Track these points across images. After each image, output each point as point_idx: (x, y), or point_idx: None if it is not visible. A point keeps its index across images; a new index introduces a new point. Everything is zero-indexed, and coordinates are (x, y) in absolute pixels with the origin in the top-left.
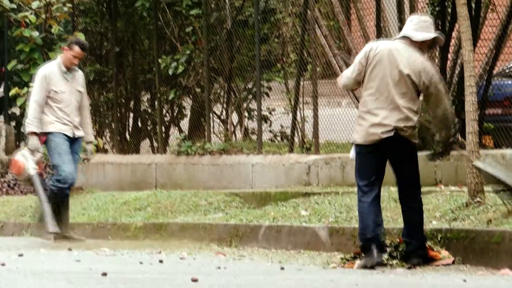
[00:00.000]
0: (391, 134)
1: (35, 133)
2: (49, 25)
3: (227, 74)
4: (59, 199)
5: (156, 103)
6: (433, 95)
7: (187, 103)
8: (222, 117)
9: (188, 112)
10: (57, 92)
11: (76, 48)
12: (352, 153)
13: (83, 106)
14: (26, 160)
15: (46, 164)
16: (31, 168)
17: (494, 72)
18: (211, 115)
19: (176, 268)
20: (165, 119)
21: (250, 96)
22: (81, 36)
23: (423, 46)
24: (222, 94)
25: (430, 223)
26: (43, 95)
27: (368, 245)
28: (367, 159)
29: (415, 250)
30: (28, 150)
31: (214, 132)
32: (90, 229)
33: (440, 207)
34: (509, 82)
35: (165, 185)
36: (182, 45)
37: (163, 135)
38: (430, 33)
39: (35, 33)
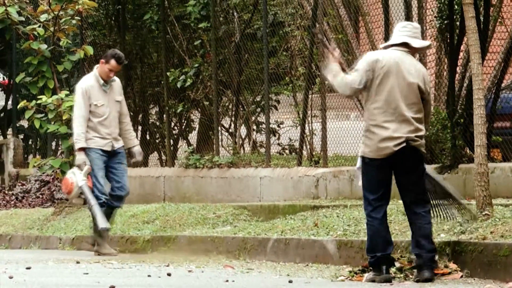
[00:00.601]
0: (404, 145)
1: (82, 149)
2: (57, 38)
3: (235, 87)
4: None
5: (164, 116)
6: (428, 102)
7: (196, 116)
8: (230, 130)
9: (196, 125)
10: (97, 105)
11: (112, 62)
12: (358, 165)
13: (122, 114)
14: (75, 175)
15: None
16: (80, 180)
17: (503, 85)
18: (219, 128)
19: (184, 281)
20: (174, 132)
21: (259, 109)
22: (89, 49)
23: (415, 53)
24: (230, 107)
25: (439, 236)
26: (87, 109)
27: (377, 263)
28: (378, 172)
29: (426, 262)
30: (76, 167)
31: (222, 145)
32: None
33: (449, 220)
34: None
35: (173, 198)
36: (191, 58)
37: (172, 148)
38: (425, 41)
39: (44, 46)
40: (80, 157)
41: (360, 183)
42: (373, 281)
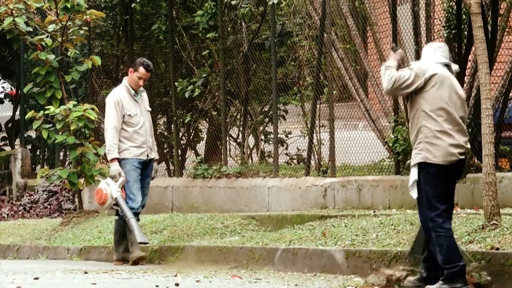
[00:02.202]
0: (464, 156)
1: (116, 159)
2: (65, 48)
3: (243, 97)
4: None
5: (172, 126)
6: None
7: (204, 126)
8: (238, 140)
9: (204, 135)
10: (131, 115)
11: (141, 69)
12: (414, 176)
13: (150, 125)
14: (109, 186)
15: None
16: (115, 191)
17: (511, 94)
18: (227, 138)
19: None
20: (182, 142)
21: (267, 119)
22: (97, 60)
23: None
24: (238, 117)
25: None
26: (119, 120)
27: (460, 273)
28: (445, 181)
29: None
30: (109, 178)
31: (230, 155)
32: (106, 252)
33: (457, 229)
34: None
35: (181, 208)
36: (199, 68)
37: (180, 158)
38: (456, 66)
39: (51, 56)
40: (114, 168)
41: (415, 195)
42: None
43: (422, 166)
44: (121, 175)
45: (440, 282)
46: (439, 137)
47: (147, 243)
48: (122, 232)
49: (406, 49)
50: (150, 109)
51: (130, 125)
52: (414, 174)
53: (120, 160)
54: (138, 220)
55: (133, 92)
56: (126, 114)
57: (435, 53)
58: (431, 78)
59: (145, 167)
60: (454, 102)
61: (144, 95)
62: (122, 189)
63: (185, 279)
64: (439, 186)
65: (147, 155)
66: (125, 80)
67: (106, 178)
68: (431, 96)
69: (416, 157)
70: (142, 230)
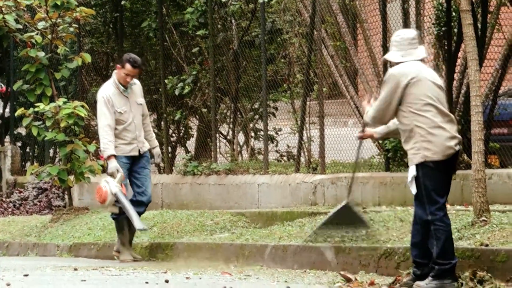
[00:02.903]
0: (460, 146)
1: (113, 156)
2: (55, 46)
3: (233, 94)
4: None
5: (162, 123)
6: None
7: (194, 123)
8: (228, 137)
9: (194, 132)
10: (120, 113)
11: (128, 66)
12: (413, 172)
13: (143, 115)
14: (108, 183)
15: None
16: (114, 187)
17: (500, 91)
18: (217, 135)
19: None
20: (172, 139)
21: (257, 116)
22: (87, 57)
23: None
24: (228, 114)
25: None
26: (112, 117)
27: (453, 270)
28: (442, 175)
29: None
30: (108, 175)
31: (220, 152)
32: (96, 249)
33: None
34: None
35: (171, 205)
36: (189, 66)
37: (169, 155)
38: (426, 53)
39: (41, 54)
40: (112, 165)
41: (414, 190)
42: None
43: (421, 164)
44: (119, 171)
45: (430, 278)
46: (434, 133)
47: (146, 229)
48: (121, 228)
49: None
50: (142, 101)
51: (119, 123)
52: (413, 170)
53: (116, 156)
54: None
55: (122, 88)
56: (117, 112)
57: (411, 47)
58: (410, 80)
59: (138, 160)
60: (437, 95)
61: (136, 87)
62: (122, 185)
63: (175, 275)
64: (438, 180)
65: (139, 150)
66: (114, 75)
67: (105, 176)
68: (414, 96)
69: (414, 158)
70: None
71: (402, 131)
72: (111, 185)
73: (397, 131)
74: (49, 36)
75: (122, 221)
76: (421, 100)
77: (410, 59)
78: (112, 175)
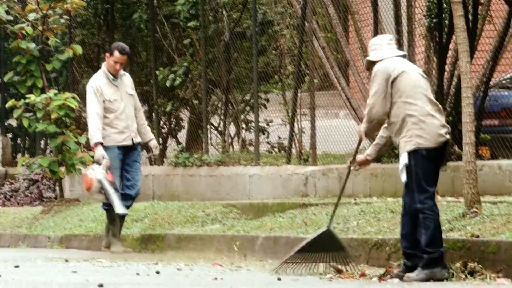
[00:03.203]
0: (449, 136)
1: (99, 143)
2: (46, 37)
3: (224, 86)
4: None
5: (153, 115)
6: None
7: (185, 115)
8: (219, 129)
9: (185, 124)
10: (110, 101)
11: (116, 53)
12: (404, 160)
13: (136, 108)
14: (94, 170)
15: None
16: (99, 173)
17: (491, 83)
18: (208, 126)
19: (173, 279)
20: (163, 130)
21: (248, 108)
22: (77, 48)
23: None
24: (219, 105)
25: None
26: (101, 106)
27: (441, 258)
28: (434, 164)
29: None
30: (94, 163)
31: (211, 144)
32: (87, 240)
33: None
34: (506, 93)
35: (162, 197)
36: (180, 57)
37: (161, 146)
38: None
39: (32, 45)
40: (98, 152)
41: (404, 178)
42: (430, 278)
43: (413, 151)
44: (104, 158)
45: (419, 268)
46: (425, 121)
47: (126, 213)
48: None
49: None
50: (133, 92)
51: (110, 111)
52: (404, 158)
53: (103, 145)
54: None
55: (111, 77)
56: (106, 100)
57: (390, 46)
58: (399, 73)
59: (130, 152)
60: (425, 85)
61: (126, 78)
62: (108, 172)
63: (166, 267)
64: (429, 169)
65: (132, 140)
66: (103, 65)
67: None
68: (404, 85)
69: (406, 145)
70: (122, 203)
71: (393, 124)
72: (96, 171)
73: (387, 142)
74: (40, 28)
75: (113, 211)
76: (412, 89)
77: (393, 55)
78: (98, 162)
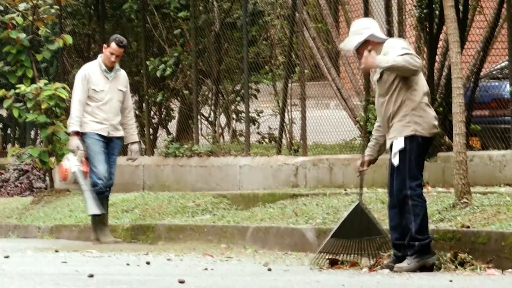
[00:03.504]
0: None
1: (76, 133)
2: (36, 27)
3: (215, 76)
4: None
5: (144, 105)
6: None
7: (175, 105)
8: (210, 119)
9: (176, 114)
10: (96, 91)
11: (113, 45)
12: (400, 145)
13: (126, 107)
14: (69, 161)
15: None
16: (73, 166)
17: (482, 74)
18: (199, 117)
19: (163, 270)
20: (153, 121)
21: (238, 98)
22: (68, 38)
23: None
24: (210, 96)
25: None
26: (85, 94)
27: (429, 246)
28: (424, 153)
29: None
30: (70, 152)
31: (202, 134)
32: (77, 231)
33: (427, 208)
34: (496, 84)
35: (152, 187)
36: (170, 48)
37: (151, 137)
38: None
39: (22, 35)
40: (73, 142)
41: (397, 162)
42: (423, 266)
43: (411, 137)
44: (79, 149)
45: (410, 257)
46: (424, 109)
47: (98, 214)
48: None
49: None
50: (125, 90)
51: (93, 100)
52: (400, 143)
53: (81, 134)
54: (107, 198)
55: (104, 68)
56: (91, 88)
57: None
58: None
59: (110, 144)
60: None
61: (121, 74)
62: (83, 163)
63: (156, 257)
64: (422, 157)
65: (108, 132)
66: (100, 56)
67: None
68: None
69: (404, 130)
70: (98, 202)
71: (391, 107)
72: (71, 163)
73: (384, 141)
74: (30, 18)
75: (102, 200)
76: (418, 76)
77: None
78: (73, 152)
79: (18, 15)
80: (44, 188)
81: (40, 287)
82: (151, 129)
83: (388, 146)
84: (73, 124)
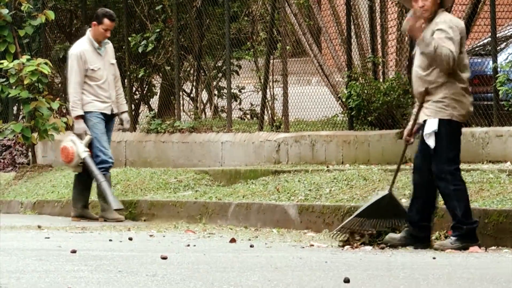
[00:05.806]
0: None
1: (81, 116)
2: (18, 3)
3: (197, 52)
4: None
5: (125, 81)
6: None
7: (157, 81)
8: (192, 95)
9: (158, 90)
10: (94, 70)
11: (106, 21)
12: (434, 127)
13: (116, 77)
14: (75, 145)
15: None
16: (82, 152)
17: None
18: (180, 93)
19: (145, 246)
20: (135, 97)
21: (220, 74)
22: (50, 14)
23: None
24: (192, 72)
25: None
26: (82, 75)
27: (475, 230)
28: (459, 137)
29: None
30: (75, 135)
31: (184, 110)
32: (60, 206)
33: (409, 185)
34: (479, 60)
35: (134, 163)
36: (152, 23)
37: (133, 113)
38: None
39: (5, 11)
40: (79, 126)
41: (433, 144)
42: (465, 248)
43: (447, 121)
44: (87, 133)
45: (454, 238)
46: (464, 95)
47: (122, 208)
48: (81, 187)
49: (359, 5)
50: (115, 62)
51: (93, 79)
52: (434, 124)
53: (84, 116)
54: (108, 174)
55: (96, 45)
56: (89, 69)
57: None
58: (461, 31)
59: (108, 121)
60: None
61: (109, 47)
62: (89, 149)
63: (139, 233)
64: (458, 141)
65: (112, 110)
66: (88, 32)
67: (71, 135)
68: (463, 50)
69: (440, 112)
70: (114, 195)
71: (429, 84)
72: (79, 148)
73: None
74: None
75: (88, 180)
76: (462, 59)
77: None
78: (79, 136)
79: None
80: (26, 163)
81: (23, 262)
82: (133, 105)
83: (421, 119)
84: (76, 109)
